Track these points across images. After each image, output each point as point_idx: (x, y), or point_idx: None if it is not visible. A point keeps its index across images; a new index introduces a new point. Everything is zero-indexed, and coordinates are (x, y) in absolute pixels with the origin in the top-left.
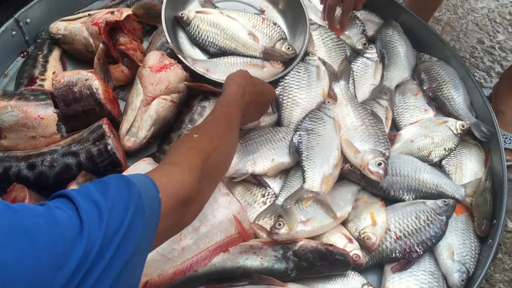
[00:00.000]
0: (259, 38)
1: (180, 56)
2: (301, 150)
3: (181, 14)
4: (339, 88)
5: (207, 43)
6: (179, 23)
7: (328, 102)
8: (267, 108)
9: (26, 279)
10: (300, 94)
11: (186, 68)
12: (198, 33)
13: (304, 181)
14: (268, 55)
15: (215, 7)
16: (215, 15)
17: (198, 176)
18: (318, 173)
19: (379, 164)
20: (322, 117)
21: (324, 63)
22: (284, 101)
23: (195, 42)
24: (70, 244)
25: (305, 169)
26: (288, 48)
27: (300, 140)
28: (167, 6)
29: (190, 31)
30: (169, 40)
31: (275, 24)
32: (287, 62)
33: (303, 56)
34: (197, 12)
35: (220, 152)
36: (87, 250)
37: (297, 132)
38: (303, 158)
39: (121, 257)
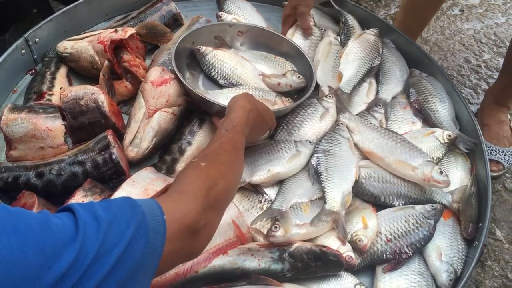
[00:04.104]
0: (272, 68)
1: (180, 77)
2: (320, 171)
3: (198, 48)
4: (346, 118)
5: (218, 77)
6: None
7: (342, 124)
8: (265, 132)
9: (11, 272)
10: (296, 126)
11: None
12: (211, 67)
13: (325, 202)
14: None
15: (230, 47)
16: (230, 53)
17: (205, 204)
18: (338, 193)
19: (441, 172)
20: (337, 138)
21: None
22: (280, 127)
23: (208, 74)
24: (60, 246)
25: (325, 190)
26: (299, 77)
27: (318, 162)
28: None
29: (204, 63)
30: (174, 66)
31: (286, 60)
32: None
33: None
34: (214, 48)
35: (227, 179)
36: (80, 257)
37: (315, 155)
38: (323, 179)
39: (120, 272)
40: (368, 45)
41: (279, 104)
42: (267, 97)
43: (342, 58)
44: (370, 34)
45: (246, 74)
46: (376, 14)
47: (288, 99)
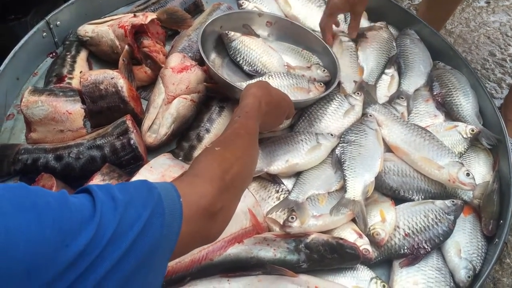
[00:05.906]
0: (298, 60)
1: (205, 59)
2: (343, 160)
3: (227, 32)
4: (375, 111)
5: (243, 63)
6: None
7: (370, 115)
8: (283, 119)
9: (29, 248)
10: (318, 118)
11: (205, 70)
12: (237, 52)
13: (345, 191)
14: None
15: (258, 36)
16: (257, 41)
17: (221, 186)
18: (359, 182)
19: (468, 174)
20: (364, 129)
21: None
22: (302, 118)
23: (233, 59)
24: (78, 224)
25: (346, 178)
26: (323, 71)
27: (342, 151)
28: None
29: (231, 48)
30: (200, 47)
31: (313, 55)
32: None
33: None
34: (242, 34)
35: (243, 162)
36: (97, 236)
37: (340, 144)
38: (345, 168)
39: (137, 252)
40: (382, 37)
41: (313, 90)
42: (301, 85)
43: (359, 52)
44: (380, 26)
45: (271, 63)
46: (400, 4)
47: (321, 84)
